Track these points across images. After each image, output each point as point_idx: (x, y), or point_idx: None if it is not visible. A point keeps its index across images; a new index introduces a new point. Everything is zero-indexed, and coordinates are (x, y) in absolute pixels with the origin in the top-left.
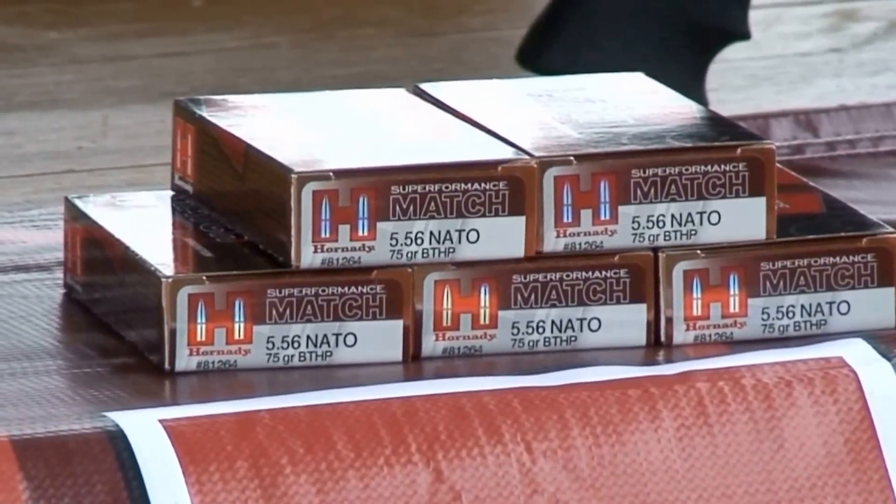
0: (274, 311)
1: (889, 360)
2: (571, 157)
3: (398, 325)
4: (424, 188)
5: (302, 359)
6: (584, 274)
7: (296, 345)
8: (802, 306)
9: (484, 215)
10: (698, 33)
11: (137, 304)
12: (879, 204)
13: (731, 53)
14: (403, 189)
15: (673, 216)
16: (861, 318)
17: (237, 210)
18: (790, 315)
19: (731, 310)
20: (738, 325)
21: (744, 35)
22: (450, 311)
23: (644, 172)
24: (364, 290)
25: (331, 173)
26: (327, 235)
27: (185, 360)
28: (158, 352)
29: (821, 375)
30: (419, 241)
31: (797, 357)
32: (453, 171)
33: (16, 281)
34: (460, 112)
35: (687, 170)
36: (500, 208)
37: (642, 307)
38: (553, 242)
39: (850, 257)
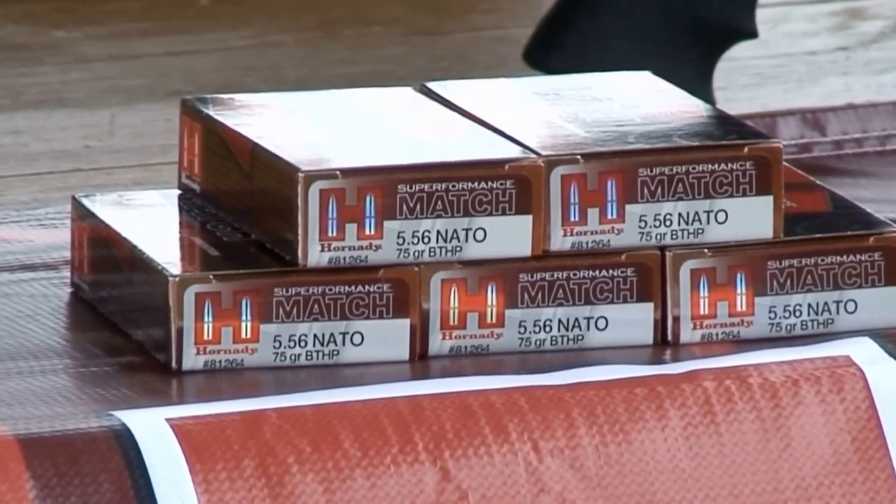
0: (281, 310)
1: None
2: (578, 156)
3: (405, 323)
4: (431, 187)
5: (309, 358)
6: (590, 273)
7: (303, 344)
8: (809, 305)
9: (491, 214)
10: (705, 32)
11: (144, 303)
12: (886, 202)
13: (739, 52)
14: (410, 188)
15: (680, 215)
16: (868, 317)
17: (244, 209)
18: (797, 314)
19: (738, 309)
20: (745, 324)
21: (751, 33)
22: (457, 310)
23: (651, 171)
24: (371, 289)
25: (338, 172)
26: (334, 234)
27: (191, 359)
28: (165, 351)
29: (828, 374)
30: (426, 240)
31: (804, 356)
32: (460, 169)
33: (23, 280)
34: (467, 111)
35: (694, 168)
36: (506, 207)
37: (649, 306)
38: (560, 241)
39: (857, 256)
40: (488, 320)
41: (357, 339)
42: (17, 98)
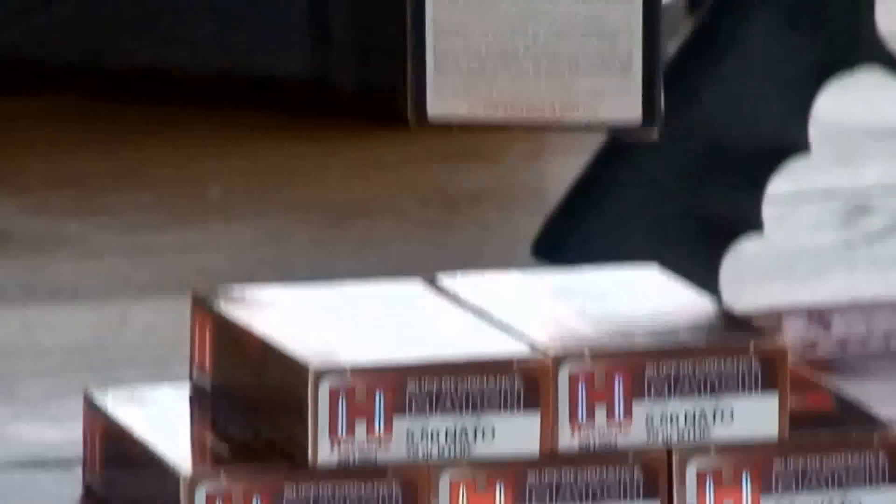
0: None
1: None
2: (586, 354)
3: None
4: (440, 384)
5: None
6: (598, 473)
7: None
8: None
9: (499, 412)
10: (711, 225)
11: (156, 502)
12: (891, 403)
13: (744, 246)
14: (419, 385)
15: (686, 413)
16: None
17: (255, 405)
18: None
19: None
20: None
21: (756, 227)
22: None
23: (658, 369)
24: (380, 491)
25: (347, 369)
26: (344, 432)
27: None
28: None
29: None
30: (435, 439)
31: None
32: (469, 367)
33: (35, 477)
34: (475, 304)
35: (700, 367)
36: (515, 405)
37: None
38: (568, 440)
39: (862, 456)
40: None
41: None
42: (30, 292)
